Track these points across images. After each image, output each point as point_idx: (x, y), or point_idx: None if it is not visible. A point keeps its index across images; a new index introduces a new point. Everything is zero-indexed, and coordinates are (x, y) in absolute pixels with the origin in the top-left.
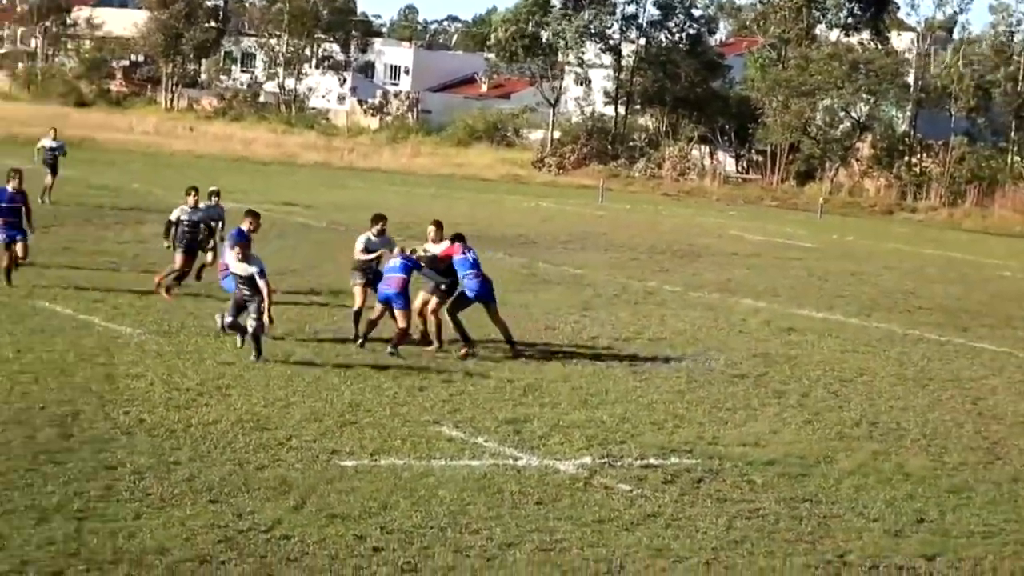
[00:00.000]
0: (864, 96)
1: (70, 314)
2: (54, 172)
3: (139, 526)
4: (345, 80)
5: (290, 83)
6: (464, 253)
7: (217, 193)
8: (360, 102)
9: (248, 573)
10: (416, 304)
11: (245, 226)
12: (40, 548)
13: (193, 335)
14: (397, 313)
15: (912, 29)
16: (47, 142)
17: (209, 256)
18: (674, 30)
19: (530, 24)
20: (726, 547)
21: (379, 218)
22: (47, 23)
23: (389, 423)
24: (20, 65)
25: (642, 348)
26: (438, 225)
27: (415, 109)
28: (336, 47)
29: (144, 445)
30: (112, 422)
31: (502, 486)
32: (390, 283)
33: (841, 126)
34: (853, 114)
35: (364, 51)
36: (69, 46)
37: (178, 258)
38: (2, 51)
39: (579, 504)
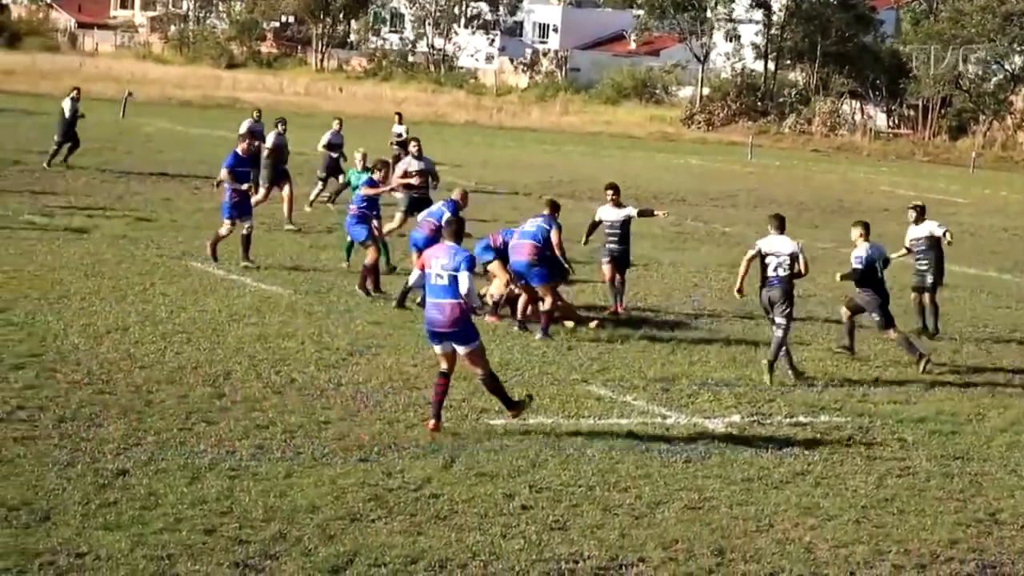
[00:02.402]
0: (1018, 48)
1: (222, 274)
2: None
3: (290, 484)
4: (494, 39)
5: (439, 43)
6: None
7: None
8: (511, 59)
9: (397, 531)
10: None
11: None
12: (193, 506)
13: (343, 295)
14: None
15: None
16: (397, 128)
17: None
18: None
19: None
20: (876, 505)
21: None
22: None
23: (538, 382)
24: (172, 28)
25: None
26: (615, 189)
27: (564, 67)
28: (485, 6)
29: (295, 404)
30: (263, 381)
31: (651, 444)
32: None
33: (994, 79)
34: (1007, 66)
35: (513, 12)
36: (220, 8)
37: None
38: (154, 14)
39: (728, 462)
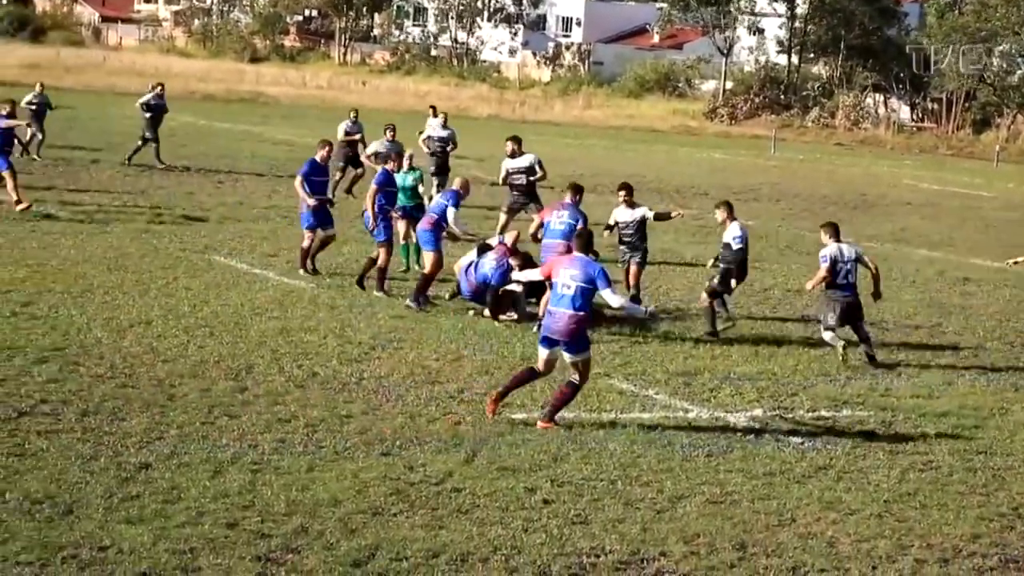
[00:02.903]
0: None
1: (245, 268)
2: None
3: (312, 478)
4: (517, 33)
5: (462, 36)
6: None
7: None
8: (533, 53)
9: (419, 525)
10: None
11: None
12: (215, 500)
13: (366, 290)
14: None
15: None
16: (432, 121)
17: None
18: None
19: None
20: (898, 499)
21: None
22: None
23: (560, 377)
24: (196, 22)
25: (814, 299)
26: (627, 189)
27: (587, 61)
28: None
29: (317, 398)
30: (286, 375)
31: (673, 439)
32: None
33: (1019, 72)
34: None
35: (536, 5)
36: (244, 1)
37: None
38: (178, 8)
39: (750, 456)
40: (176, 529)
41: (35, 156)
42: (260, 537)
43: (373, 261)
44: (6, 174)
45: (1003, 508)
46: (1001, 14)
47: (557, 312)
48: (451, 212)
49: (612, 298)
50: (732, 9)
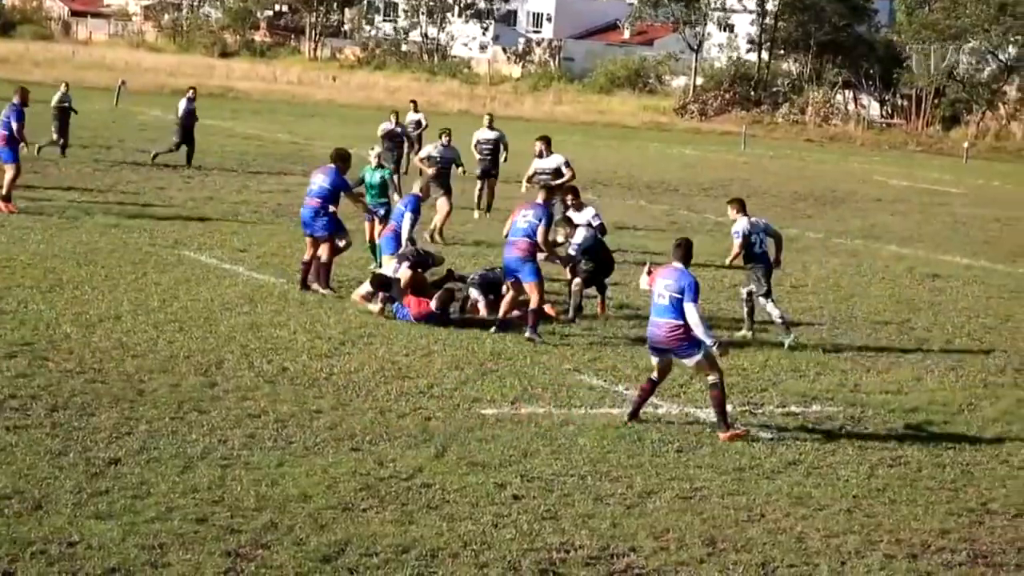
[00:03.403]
0: (1012, 38)
1: (215, 263)
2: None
3: (282, 473)
4: (487, 28)
5: (432, 32)
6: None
7: None
8: (504, 49)
9: (389, 520)
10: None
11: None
12: (185, 495)
13: (336, 284)
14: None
15: None
16: (412, 116)
17: None
18: None
19: None
20: (867, 495)
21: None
22: None
23: (530, 371)
24: (166, 16)
25: (783, 295)
26: (573, 193)
27: (557, 57)
28: None
29: (287, 393)
30: (255, 371)
31: (642, 434)
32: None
33: (988, 69)
34: (1000, 57)
35: (507, 0)
36: None
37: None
38: (148, 2)
39: (719, 452)
40: (145, 524)
41: (36, 153)
42: (230, 532)
43: (307, 264)
44: (9, 168)
45: (972, 503)
46: (971, 11)
47: (656, 321)
48: (407, 219)
49: (692, 314)
50: (703, 5)
